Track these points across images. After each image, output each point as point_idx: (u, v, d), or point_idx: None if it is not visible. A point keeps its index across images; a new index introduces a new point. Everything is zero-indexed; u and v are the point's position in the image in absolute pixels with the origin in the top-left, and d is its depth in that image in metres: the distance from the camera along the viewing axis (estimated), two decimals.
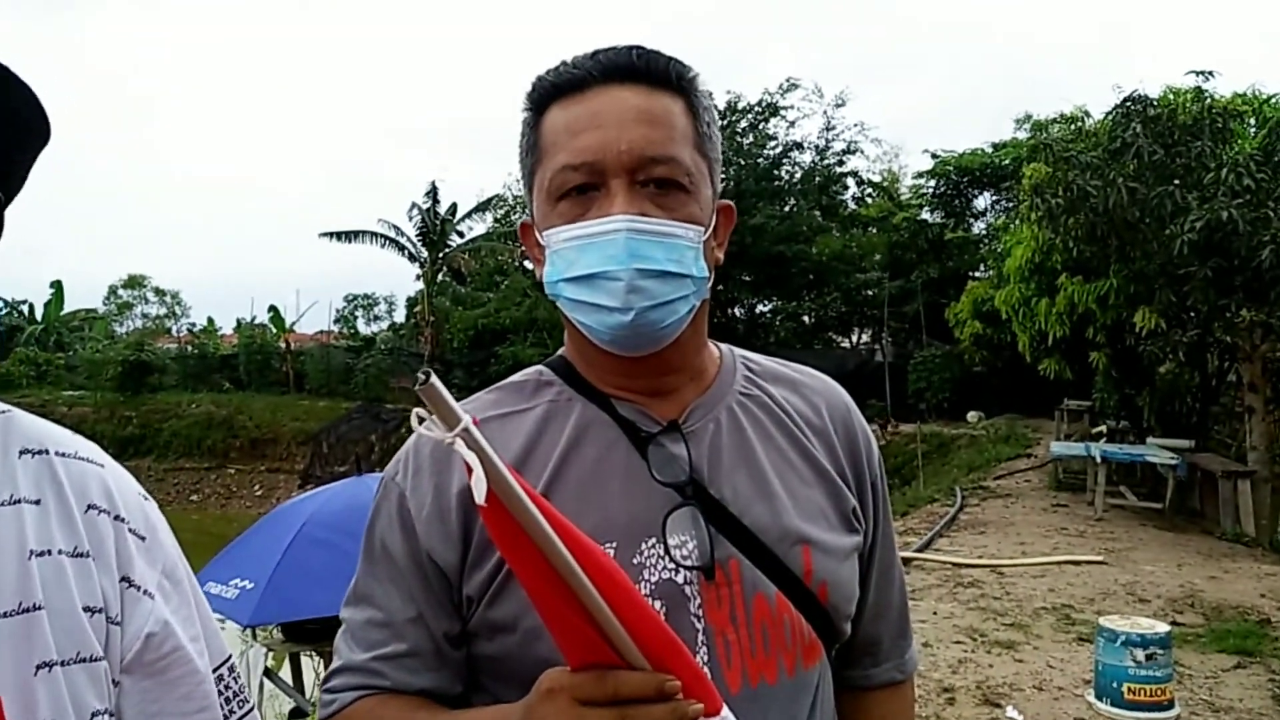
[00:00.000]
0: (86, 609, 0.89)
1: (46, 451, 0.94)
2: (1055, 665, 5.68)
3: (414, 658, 1.07)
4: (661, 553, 1.05)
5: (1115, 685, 4.87)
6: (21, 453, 0.93)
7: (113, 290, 47.57)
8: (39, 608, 0.86)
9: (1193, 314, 11.02)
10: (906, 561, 8.40)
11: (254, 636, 6.57)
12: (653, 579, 1.04)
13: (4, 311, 36.42)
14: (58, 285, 36.19)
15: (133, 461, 26.21)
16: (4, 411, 0.96)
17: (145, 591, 0.94)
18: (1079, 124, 14.94)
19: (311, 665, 6.86)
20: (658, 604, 1.03)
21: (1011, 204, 20.58)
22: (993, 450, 16.26)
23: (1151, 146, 10.34)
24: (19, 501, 0.89)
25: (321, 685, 1.14)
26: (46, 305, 36.17)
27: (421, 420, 0.74)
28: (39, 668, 0.84)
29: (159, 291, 48.66)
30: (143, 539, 0.97)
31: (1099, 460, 10.76)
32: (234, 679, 1.03)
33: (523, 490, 0.75)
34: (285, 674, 6.77)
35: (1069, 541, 9.37)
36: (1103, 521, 10.33)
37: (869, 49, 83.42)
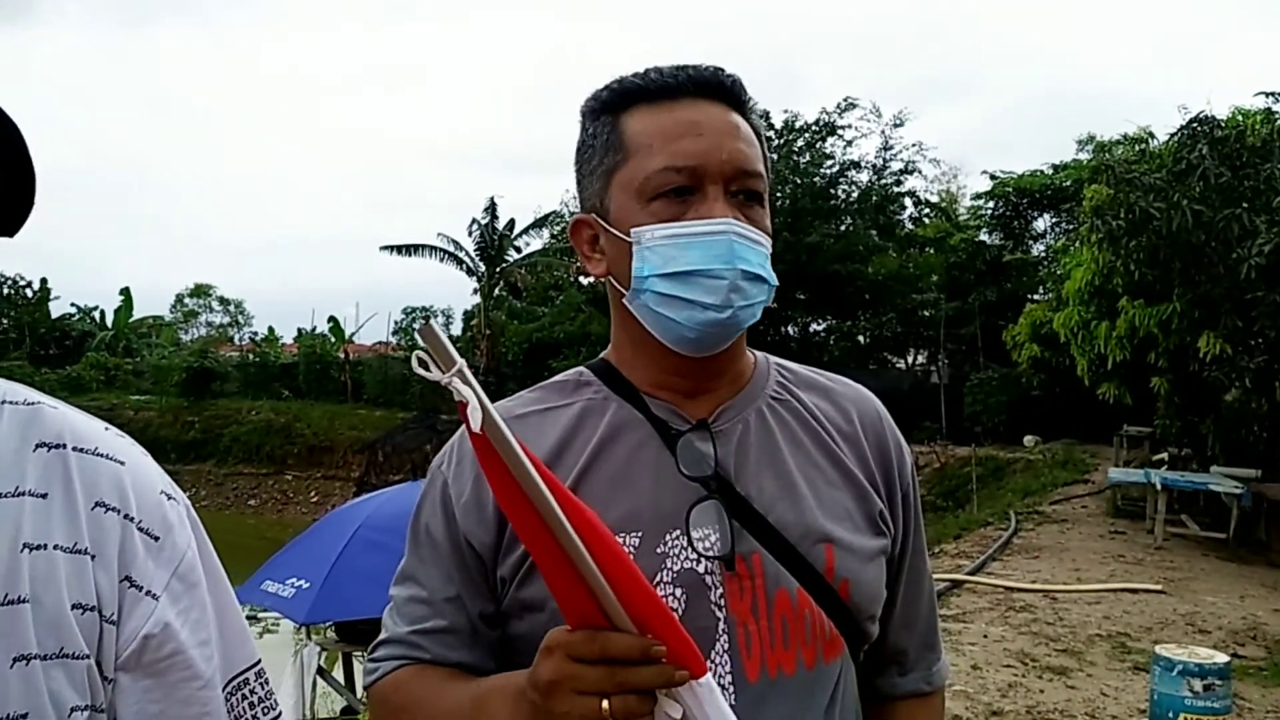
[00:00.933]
0: (76, 605, 0.89)
1: (64, 446, 0.95)
2: (1109, 694, 5.59)
3: (451, 634, 1.13)
4: (685, 544, 1.09)
5: (1171, 715, 4.75)
6: (38, 446, 0.94)
7: (179, 299, 48.81)
8: (24, 600, 0.87)
9: (1260, 340, 10.75)
10: (958, 584, 8.30)
11: (308, 635, 6.70)
12: (675, 568, 1.09)
13: (76, 317, 37.56)
14: (127, 293, 37.28)
15: (194, 465, 26.85)
16: (33, 404, 0.98)
17: (148, 592, 0.95)
18: (1143, 145, 14.70)
19: (363, 666, 6.98)
20: (679, 591, 1.08)
21: (1072, 226, 20.24)
22: (1049, 475, 15.96)
23: (1218, 168, 10.14)
24: (23, 494, 0.91)
25: (367, 655, 1.21)
26: (116, 312, 37.25)
27: (423, 362, 0.80)
28: (15, 660, 0.85)
29: (223, 301, 49.85)
30: (155, 539, 0.97)
31: (1160, 487, 10.52)
32: (260, 684, 1.04)
33: (513, 436, 0.81)
34: (338, 673, 6.89)
35: (1126, 569, 9.19)
36: (1162, 550, 10.11)
37: (928, 69, 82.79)
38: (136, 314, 38.33)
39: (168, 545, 0.98)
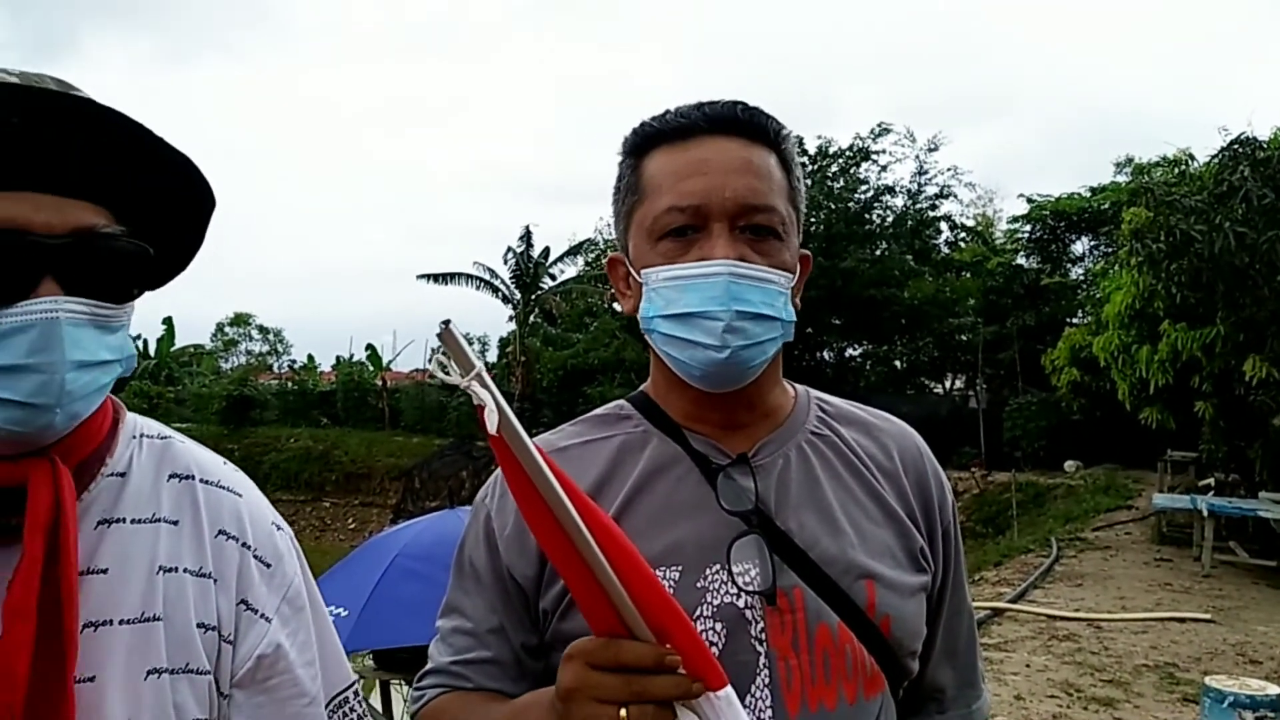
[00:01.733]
0: (200, 625, 0.97)
1: (192, 477, 1.05)
2: None
3: (494, 665, 1.15)
4: (725, 578, 1.10)
5: None
6: (170, 476, 1.03)
7: (220, 327, 49.69)
8: (158, 618, 0.95)
9: None
10: (999, 612, 8.17)
11: None
12: (715, 602, 1.09)
13: None
14: (169, 322, 37.90)
15: None
16: (165, 438, 1.07)
17: (262, 615, 1.03)
18: (1182, 167, 14.52)
19: (401, 696, 6.99)
20: (719, 625, 1.08)
21: (1111, 249, 20.02)
22: (1091, 501, 15.71)
23: (1261, 190, 10.01)
24: (159, 520, 0.99)
25: (414, 684, 1.23)
26: (159, 341, 37.86)
27: (442, 366, 0.80)
28: (149, 673, 0.93)
29: (263, 329, 50.63)
30: (268, 566, 1.05)
31: (1207, 514, 10.31)
32: (358, 702, 1.12)
33: (529, 440, 0.81)
34: (375, 700, 6.91)
35: (1173, 597, 9.00)
36: (1210, 578, 9.89)
37: (963, 92, 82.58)
38: (178, 343, 38.96)
39: (279, 572, 1.06)
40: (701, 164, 1.12)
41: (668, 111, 1.18)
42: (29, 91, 0.88)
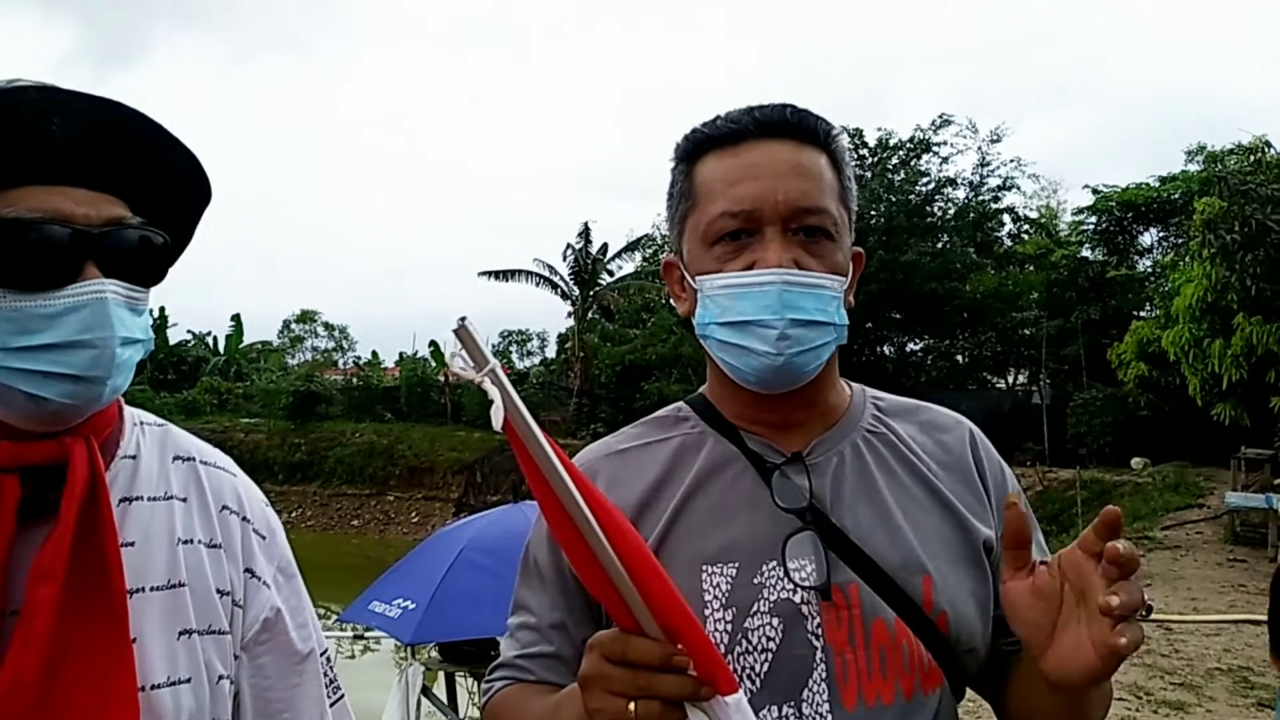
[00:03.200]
0: (219, 591, 1.07)
1: (194, 459, 1.14)
2: None
3: (556, 659, 1.19)
4: (781, 574, 1.11)
5: None
6: (175, 458, 1.12)
7: (286, 324, 50.48)
8: (183, 585, 1.04)
9: None
10: None
11: (412, 655, 6.87)
12: (771, 598, 1.11)
13: (192, 344, 39.19)
14: (237, 319, 38.76)
15: (299, 486, 27.70)
16: (162, 425, 1.16)
17: (264, 582, 1.13)
18: (1258, 155, 14.10)
19: (465, 686, 7.13)
20: (776, 620, 1.10)
21: (1181, 240, 19.54)
22: (1160, 499, 15.36)
23: None
24: (171, 498, 1.08)
25: (484, 678, 1.28)
26: (228, 338, 38.73)
27: (460, 363, 0.82)
28: (181, 634, 1.02)
29: (328, 326, 51.33)
30: (263, 538, 1.16)
31: None
32: (330, 668, 1.22)
33: (540, 431, 0.82)
34: (439, 690, 7.05)
35: (1247, 599, 8.79)
36: None
37: (1026, 80, 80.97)
38: (246, 340, 39.81)
39: (273, 544, 1.17)
40: (752, 168, 1.13)
41: (718, 117, 1.20)
42: (63, 94, 0.97)
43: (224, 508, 1.13)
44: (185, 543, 1.06)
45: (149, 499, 1.06)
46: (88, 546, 0.94)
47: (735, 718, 0.88)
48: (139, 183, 1.02)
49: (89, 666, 0.92)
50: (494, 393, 0.80)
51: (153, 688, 0.98)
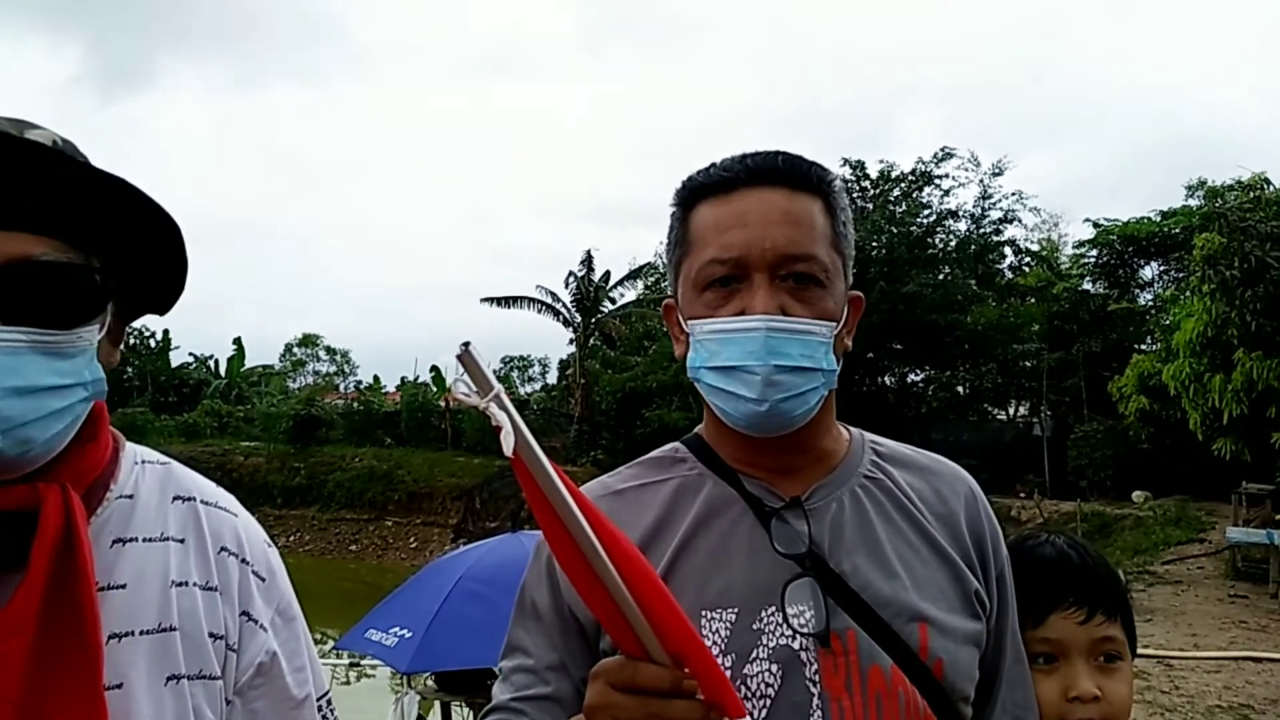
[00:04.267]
0: (211, 635, 1.05)
1: (194, 499, 1.13)
2: None
3: (553, 702, 1.16)
4: (780, 620, 1.12)
5: None
6: (175, 498, 1.11)
7: (288, 348, 50.48)
8: (174, 629, 1.02)
9: None
10: None
11: (408, 683, 6.84)
12: (770, 644, 1.12)
13: (193, 366, 39.23)
14: (239, 342, 38.78)
15: (298, 510, 27.58)
16: (165, 463, 1.15)
17: (260, 625, 1.11)
18: (1258, 192, 14.18)
19: (461, 715, 7.09)
20: (774, 666, 1.11)
21: (1181, 275, 19.58)
22: (1160, 533, 15.31)
23: None
24: (168, 539, 1.07)
25: None
26: (230, 361, 38.72)
27: (464, 388, 0.81)
28: (169, 679, 1.00)
29: (330, 350, 51.38)
30: (263, 580, 1.13)
31: None
32: (330, 711, 1.19)
33: (545, 458, 0.82)
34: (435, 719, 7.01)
35: (1248, 636, 8.74)
36: None
37: (1028, 113, 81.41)
38: (248, 363, 39.78)
39: (273, 586, 1.15)
40: (742, 216, 1.15)
41: (713, 164, 1.23)
42: None
43: (223, 549, 1.11)
44: (179, 585, 1.04)
45: (144, 540, 1.05)
46: (62, 596, 0.92)
47: None
48: (61, 218, 0.96)
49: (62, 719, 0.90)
50: (501, 418, 0.79)
51: None
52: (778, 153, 1.20)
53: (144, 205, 1.01)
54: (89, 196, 0.98)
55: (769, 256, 1.13)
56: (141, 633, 1.00)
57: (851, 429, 1.31)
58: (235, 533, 1.13)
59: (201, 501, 1.13)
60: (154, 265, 1.08)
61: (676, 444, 1.31)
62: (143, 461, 1.12)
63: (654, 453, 1.32)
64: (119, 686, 0.96)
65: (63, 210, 0.96)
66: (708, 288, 1.17)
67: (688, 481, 1.24)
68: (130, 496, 1.07)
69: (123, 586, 1.01)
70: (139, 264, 1.06)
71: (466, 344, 0.78)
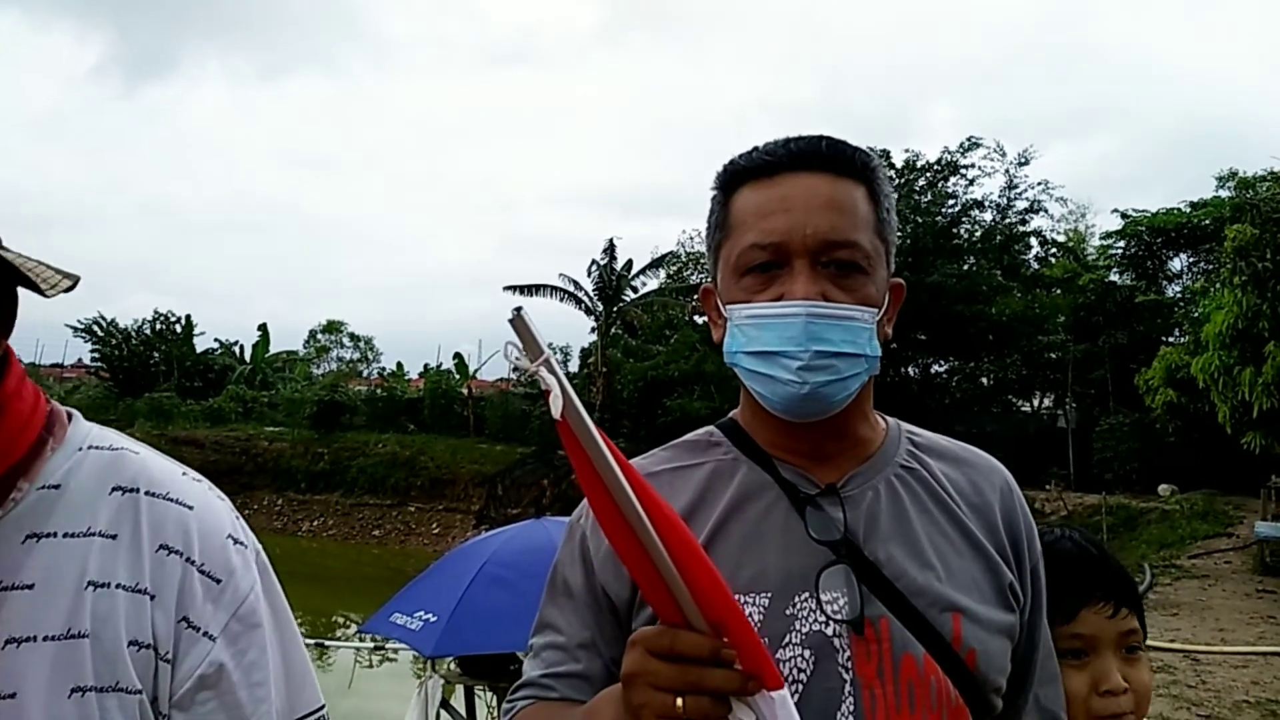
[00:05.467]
0: (133, 643, 0.94)
1: (137, 490, 1.02)
2: None
3: (583, 679, 1.17)
4: (814, 606, 1.12)
5: None
6: (114, 489, 1.01)
7: (312, 334, 50.71)
8: (84, 635, 0.93)
9: None
10: None
11: (432, 667, 6.89)
12: (803, 629, 1.11)
13: (219, 352, 39.51)
14: (264, 329, 39.10)
15: (322, 496, 27.83)
16: (116, 449, 1.05)
17: (205, 633, 0.99)
18: None
19: (485, 700, 7.13)
20: (807, 652, 1.10)
21: (1211, 266, 19.36)
22: (1187, 527, 15.18)
23: None
24: (94, 534, 0.97)
25: (506, 698, 1.26)
26: (254, 347, 39.04)
27: (515, 352, 0.81)
28: (73, 691, 0.91)
29: (354, 337, 51.54)
30: (216, 581, 1.01)
31: None
32: None
33: (593, 425, 0.82)
34: (458, 704, 7.06)
35: (1277, 631, 8.65)
36: None
37: (1055, 102, 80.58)
38: (273, 349, 40.10)
39: (229, 588, 1.02)
40: (784, 201, 1.14)
41: (755, 148, 1.21)
42: None
43: (162, 546, 1.00)
44: (99, 586, 0.95)
45: (65, 535, 0.96)
46: None
47: (780, 714, 0.88)
48: None
49: None
50: (550, 381, 0.80)
51: None
52: (821, 137, 1.19)
53: None
54: None
55: (810, 242, 1.12)
56: (45, 638, 0.92)
57: (888, 418, 1.30)
58: (183, 528, 1.02)
59: (146, 493, 1.02)
60: None
61: (711, 428, 1.30)
62: (89, 447, 1.03)
63: (688, 436, 1.31)
64: (11, 696, 0.89)
65: None
66: (747, 273, 1.16)
67: (722, 466, 1.23)
68: (56, 487, 0.99)
69: (29, 587, 0.93)
70: None
71: (519, 309, 0.79)
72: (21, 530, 0.95)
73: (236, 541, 1.06)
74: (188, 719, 0.98)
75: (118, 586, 0.96)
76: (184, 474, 1.09)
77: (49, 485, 0.98)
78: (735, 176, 1.21)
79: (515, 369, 0.81)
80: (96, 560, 0.96)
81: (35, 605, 0.92)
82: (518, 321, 0.80)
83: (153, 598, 0.97)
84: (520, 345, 0.81)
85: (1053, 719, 1.28)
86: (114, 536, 0.98)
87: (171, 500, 1.03)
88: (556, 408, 0.80)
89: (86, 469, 1.01)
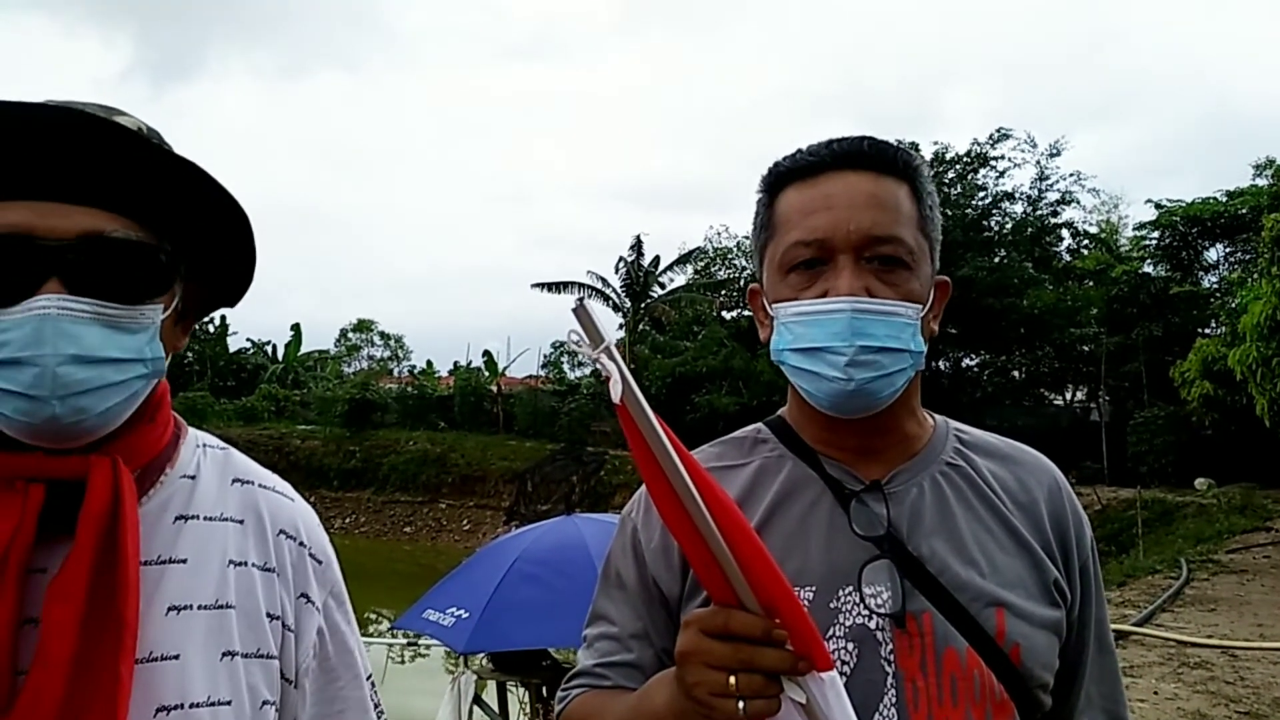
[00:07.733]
0: (268, 615, 1.06)
1: (253, 483, 1.15)
2: None
3: (635, 669, 1.21)
4: (857, 600, 1.13)
5: None
6: (234, 481, 1.13)
7: (343, 333, 51.03)
8: (230, 606, 1.03)
9: None
10: (1123, 635, 7.89)
11: (465, 663, 6.95)
12: (847, 623, 1.13)
13: (251, 351, 39.99)
14: (297, 328, 39.47)
15: (354, 493, 28.06)
16: (224, 448, 1.18)
17: (316, 606, 1.13)
18: None
19: (517, 695, 7.19)
20: (850, 645, 1.12)
21: (1249, 256, 19.07)
22: (1225, 521, 14.97)
23: None
24: (227, 519, 1.09)
25: (560, 687, 1.30)
26: (287, 346, 39.45)
27: (576, 339, 0.85)
28: (224, 655, 1.01)
29: (384, 335, 51.82)
30: (320, 563, 1.16)
31: None
32: (374, 692, 1.22)
33: (651, 411, 0.86)
34: (490, 699, 7.11)
35: None
36: None
37: (1087, 91, 79.59)
38: (304, 348, 40.51)
39: (328, 569, 1.18)
40: (827, 199, 1.16)
41: (798, 150, 1.23)
42: (31, 107, 0.93)
43: (281, 532, 1.13)
44: (238, 564, 1.06)
45: (205, 519, 1.07)
46: (105, 569, 0.93)
47: (830, 694, 0.90)
48: (130, 196, 0.98)
49: (100, 689, 0.90)
50: (610, 368, 0.84)
51: (192, 706, 0.97)
52: (863, 138, 1.21)
53: (218, 195, 1.03)
54: (166, 182, 1.00)
55: (854, 238, 1.14)
56: (199, 607, 1.01)
57: (936, 415, 1.31)
58: (292, 517, 1.15)
59: (260, 485, 1.15)
60: (224, 255, 1.09)
61: (759, 425, 1.33)
62: (204, 445, 1.15)
63: (737, 432, 1.34)
64: (176, 658, 0.98)
65: (138, 191, 0.98)
66: (792, 270, 1.17)
67: (768, 463, 1.26)
68: (193, 477, 1.09)
69: (184, 561, 1.03)
70: (209, 252, 1.07)
71: (581, 299, 0.85)
72: (170, 512, 1.05)
73: (323, 531, 1.21)
74: (310, 681, 1.11)
75: (252, 565, 1.07)
76: (271, 473, 1.21)
77: (187, 475, 1.09)
78: (779, 178, 1.23)
79: (576, 355, 0.86)
80: (234, 541, 1.07)
81: (189, 578, 1.02)
82: (580, 311, 0.84)
83: (278, 575, 1.09)
84: (582, 333, 0.85)
85: (1113, 718, 1.28)
86: (241, 522, 1.10)
87: (279, 493, 1.17)
88: (616, 393, 0.84)
89: (209, 462, 1.13)
